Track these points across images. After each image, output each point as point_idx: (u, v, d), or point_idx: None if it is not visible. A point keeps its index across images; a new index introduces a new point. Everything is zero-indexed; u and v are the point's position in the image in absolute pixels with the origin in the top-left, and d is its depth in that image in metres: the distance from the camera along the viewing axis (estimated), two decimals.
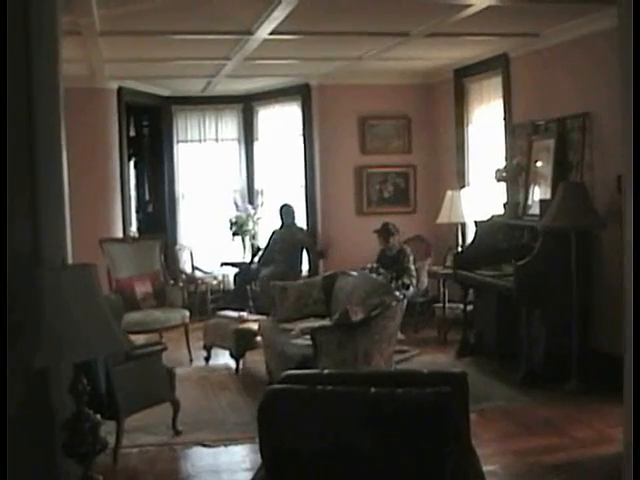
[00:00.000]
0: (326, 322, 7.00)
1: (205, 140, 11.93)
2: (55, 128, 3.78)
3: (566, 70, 7.58)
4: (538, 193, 7.85)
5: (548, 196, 7.46)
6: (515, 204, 8.12)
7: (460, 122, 9.90)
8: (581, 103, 7.30)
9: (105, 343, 3.44)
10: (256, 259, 10.71)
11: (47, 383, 3.65)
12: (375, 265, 9.01)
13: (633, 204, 4.02)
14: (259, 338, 7.83)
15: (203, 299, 11.03)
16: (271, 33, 7.14)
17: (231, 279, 11.05)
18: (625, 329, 4.24)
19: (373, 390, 3.29)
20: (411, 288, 8.85)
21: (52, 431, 3.64)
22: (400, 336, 7.22)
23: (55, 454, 3.63)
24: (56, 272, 3.41)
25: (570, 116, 7.46)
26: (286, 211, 10.51)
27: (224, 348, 8.26)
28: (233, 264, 10.96)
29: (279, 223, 10.59)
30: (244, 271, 10.67)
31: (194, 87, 11.15)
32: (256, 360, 7.98)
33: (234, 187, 11.87)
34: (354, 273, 7.80)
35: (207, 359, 8.46)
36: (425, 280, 9.59)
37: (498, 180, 8.44)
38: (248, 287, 10.58)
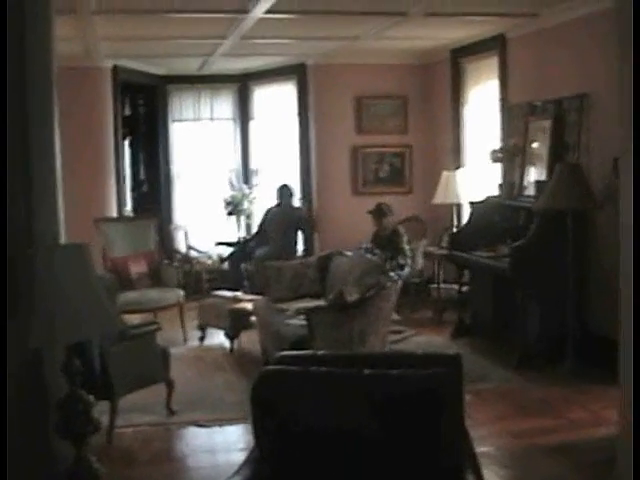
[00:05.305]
0: (321, 302, 7.00)
1: (200, 119, 11.87)
2: (48, 107, 3.75)
3: (564, 50, 7.53)
4: (534, 174, 7.83)
5: (544, 177, 7.44)
6: (511, 185, 8.10)
7: (456, 102, 9.86)
8: (579, 84, 7.25)
9: (98, 324, 3.42)
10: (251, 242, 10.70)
11: (41, 363, 3.63)
12: (370, 245, 8.99)
13: (633, 185, 4.01)
14: (254, 318, 7.83)
15: (198, 279, 11.02)
16: (267, 12, 7.07)
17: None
18: (622, 310, 4.24)
19: (367, 372, 3.28)
20: (406, 268, 8.81)
21: (46, 412, 3.63)
22: (395, 316, 7.22)
23: (48, 435, 3.61)
24: (49, 252, 3.38)
25: (567, 97, 7.42)
26: (284, 191, 10.45)
27: (219, 328, 8.26)
28: (228, 244, 10.94)
29: (275, 202, 10.56)
30: (237, 252, 10.65)
31: (190, 66, 11.08)
32: (251, 340, 7.97)
33: (229, 166, 11.83)
34: (349, 253, 7.78)
35: (202, 339, 8.45)
36: (420, 261, 9.57)
37: (494, 161, 8.42)
38: (242, 267, 10.56)
